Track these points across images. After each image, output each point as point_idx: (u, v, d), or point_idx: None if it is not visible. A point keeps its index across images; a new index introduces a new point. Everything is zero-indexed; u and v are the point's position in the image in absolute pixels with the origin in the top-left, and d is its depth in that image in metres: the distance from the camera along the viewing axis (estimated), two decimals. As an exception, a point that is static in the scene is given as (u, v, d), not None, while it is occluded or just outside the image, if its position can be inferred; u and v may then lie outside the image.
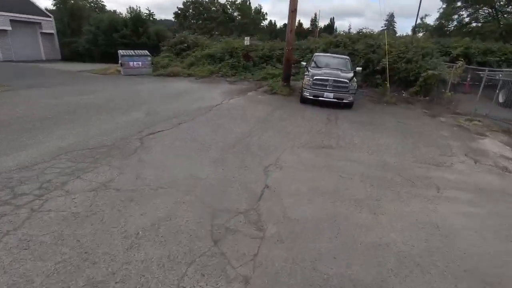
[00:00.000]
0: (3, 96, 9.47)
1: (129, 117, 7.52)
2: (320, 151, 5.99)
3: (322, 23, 74.61)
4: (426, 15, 47.35)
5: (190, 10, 41.81)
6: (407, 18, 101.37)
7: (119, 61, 18.52)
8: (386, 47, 13.98)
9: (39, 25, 32.05)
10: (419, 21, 34.02)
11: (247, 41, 18.24)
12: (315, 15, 72.94)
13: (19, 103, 8.45)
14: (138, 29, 31.26)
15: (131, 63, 18.58)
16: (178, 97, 10.69)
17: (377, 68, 15.03)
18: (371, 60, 15.55)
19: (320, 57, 12.94)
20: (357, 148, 6.36)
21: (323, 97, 10.65)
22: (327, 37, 20.56)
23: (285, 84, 13.54)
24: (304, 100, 11.20)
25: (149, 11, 50.05)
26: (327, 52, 15.28)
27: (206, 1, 41.65)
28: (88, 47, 32.63)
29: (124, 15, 33.44)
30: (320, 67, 11.89)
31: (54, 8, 37.93)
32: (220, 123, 7.55)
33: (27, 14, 30.70)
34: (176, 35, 25.68)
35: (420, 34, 31.25)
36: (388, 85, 13.54)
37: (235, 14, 43.40)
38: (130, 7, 32.05)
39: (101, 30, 31.73)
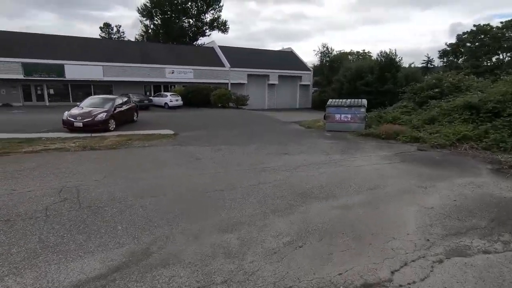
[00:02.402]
0: (139, 151, 7.90)
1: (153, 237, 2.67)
2: None
3: None
4: None
5: (468, 44, 29.80)
6: None
7: (325, 113, 14.18)
8: None
9: (299, 78, 35.15)
10: None
11: None
12: None
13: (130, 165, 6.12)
14: (384, 75, 25.80)
15: (337, 116, 13.63)
16: (304, 202, 4.42)
17: None
18: None
19: None
20: None
21: None
22: None
23: None
24: None
25: (428, 57, 41.33)
26: None
27: (497, 27, 27.94)
28: (333, 96, 31.35)
29: (378, 59, 29.03)
30: None
31: (318, 61, 41.01)
32: None
33: (292, 70, 34.50)
34: (427, 77, 17.67)
35: None
36: None
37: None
38: (381, 52, 27.17)
39: (347, 79, 29.32)
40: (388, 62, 26.57)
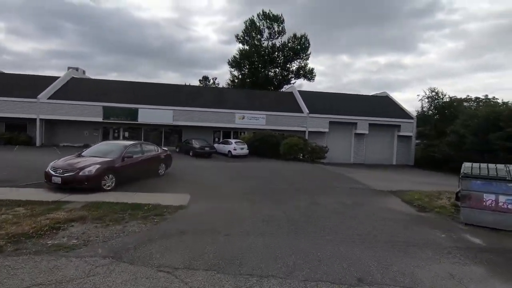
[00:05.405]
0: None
1: None
2: None
3: None
4: None
5: None
6: None
7: (458, 189, 7.36)
8: None
9: (397, 127, 27.37)
10: None
11: None
12: None
13: None
14: (545, 125, 16.39)
15: (488, 198, 6.70)
16: None
17: None
18: None
19: None
20: None
21: None
22: None
23: None
24: None
25: None
26: None
27: None
28: (448, 152, 22.41)
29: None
30: None
31: (425, 108, 32.21)
32: None
33: (388, 117, 27.28)
34: None
35: None
36: None
37: None
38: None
39: (470, 130, 20.47)
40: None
